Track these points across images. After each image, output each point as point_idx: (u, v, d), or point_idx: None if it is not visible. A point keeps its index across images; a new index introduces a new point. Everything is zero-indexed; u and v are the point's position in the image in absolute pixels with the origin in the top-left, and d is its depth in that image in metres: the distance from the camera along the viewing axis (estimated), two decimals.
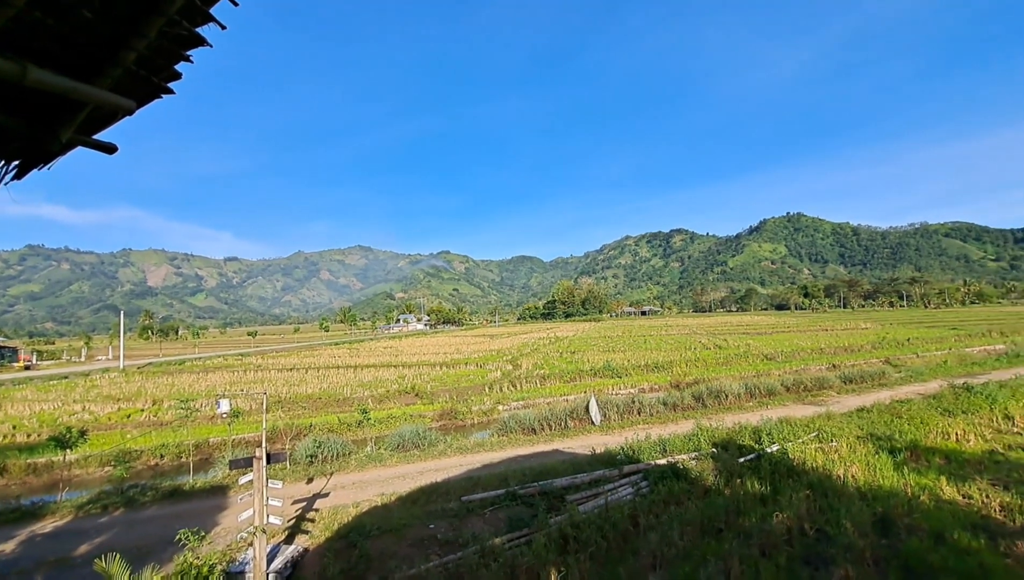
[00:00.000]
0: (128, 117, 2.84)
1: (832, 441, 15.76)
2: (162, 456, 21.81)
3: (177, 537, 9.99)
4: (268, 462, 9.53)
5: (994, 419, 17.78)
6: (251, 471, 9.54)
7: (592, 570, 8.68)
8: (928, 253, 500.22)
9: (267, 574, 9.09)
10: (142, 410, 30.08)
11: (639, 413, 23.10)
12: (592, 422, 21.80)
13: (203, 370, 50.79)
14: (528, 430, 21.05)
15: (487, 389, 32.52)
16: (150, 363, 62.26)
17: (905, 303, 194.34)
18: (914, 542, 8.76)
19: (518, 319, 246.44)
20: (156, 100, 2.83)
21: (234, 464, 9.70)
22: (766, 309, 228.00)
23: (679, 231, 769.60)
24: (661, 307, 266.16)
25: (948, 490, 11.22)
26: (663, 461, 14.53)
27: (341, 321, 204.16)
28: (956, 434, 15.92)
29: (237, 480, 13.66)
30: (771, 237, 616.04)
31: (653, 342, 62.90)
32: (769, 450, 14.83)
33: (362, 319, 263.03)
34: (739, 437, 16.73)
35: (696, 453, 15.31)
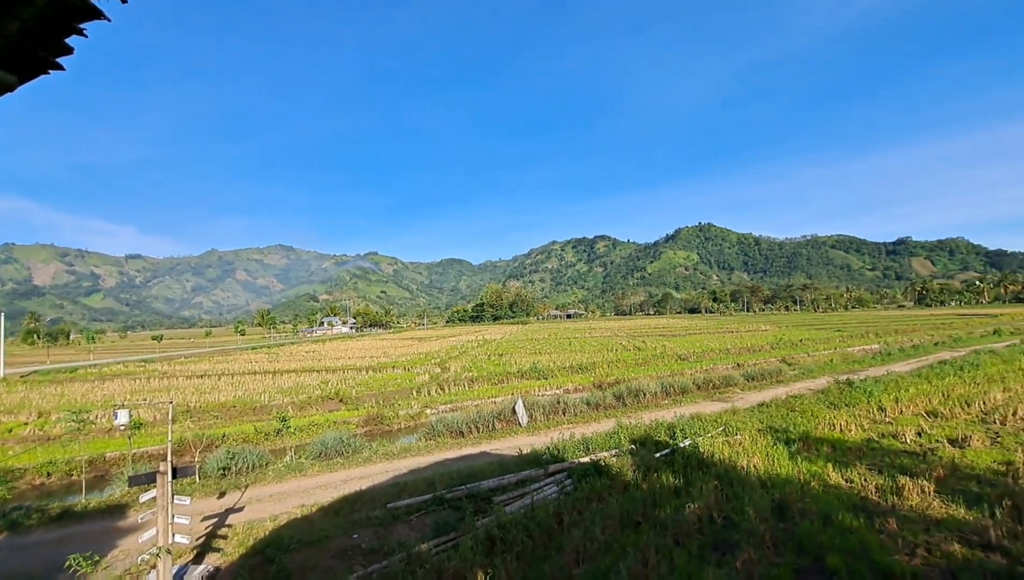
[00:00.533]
0: (9, 94, 2.53)
1: (737, 434, 17.06)
2: (49, 474, 19.45)
3: (67, 563, 8.91)
4: (174, 477, 8.76)
5: (871, 411, 20.10)
6: (154, 487, 8.73)
7: (518, 569, 8.78)
8: (817, 262, 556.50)
9: None
10: (26, 423, 26.63)
11: (564, 413, 23.70)
12: (519, 423, 22.07)
13: (99, 378, 45.74)
14: (456, 433, 20.93)
15: (415, 393, 31.95)
16: (35, 371, 55.10)
17: (798, 307, 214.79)
18: (806, 524, 9.70)
19: (447, 322, 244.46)
20: (43, 76, 2.54)
21: (134, 480, 8.83)
22: (680, 312, 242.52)
23: (603, 237, 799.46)
24: (585, 310, 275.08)
25: (834, 476, 12.53)
26: (586, 459, 15.01)
27: (259, 324, 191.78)
28: (840, 425, 17.82)
29: (138, 498, 12.42)
30: (685, 245, 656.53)
31: (577, 344, 64.81)
32: (682, 445, 15.79)
33: (282, 322, 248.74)
34: (656, 433, 17.65)
35: (617, 450, 15.96)
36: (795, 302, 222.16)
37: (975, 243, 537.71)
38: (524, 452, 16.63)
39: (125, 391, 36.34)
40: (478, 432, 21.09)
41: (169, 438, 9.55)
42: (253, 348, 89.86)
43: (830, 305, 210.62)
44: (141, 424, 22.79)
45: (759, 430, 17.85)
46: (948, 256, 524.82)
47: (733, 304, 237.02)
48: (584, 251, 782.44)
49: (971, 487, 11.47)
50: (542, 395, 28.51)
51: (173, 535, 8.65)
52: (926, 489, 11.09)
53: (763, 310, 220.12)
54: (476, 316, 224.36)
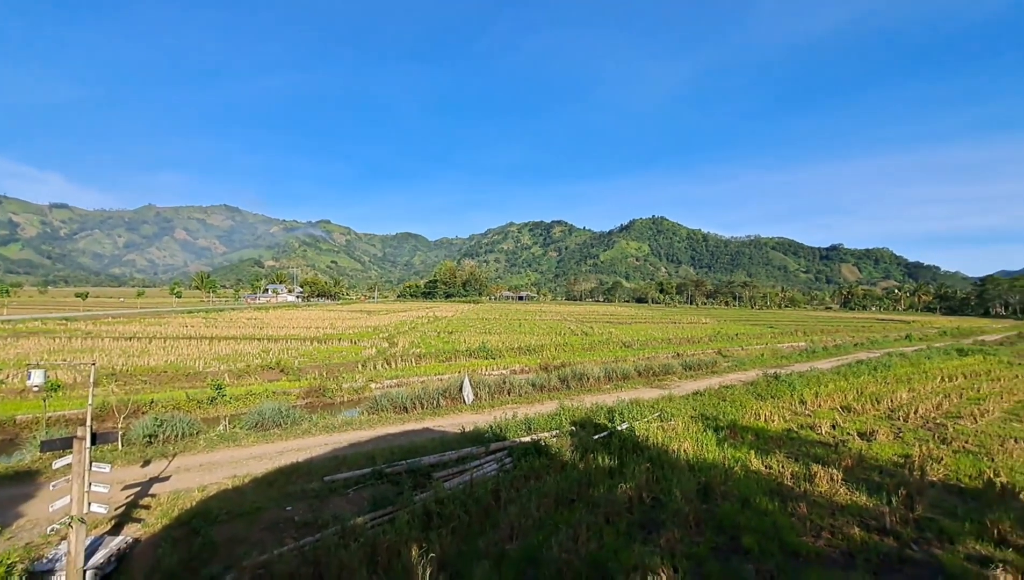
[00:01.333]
0: None
1: (671, 420, 17.91)
2: None
3: None
4: (94, 443, 8.26)
5: (793, 403, 21.58)
6: (69, 453, 8.21)
7: (453, 544, 8.94)
8: (758, 262, 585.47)
9: (83, 571, 7.94)
10: None
11: (509, 393, 24.04)
12: (464, 401, 22.21)
13: (12, 335, 42.16)
14: (400, 408, 20.81)
15: (360, 366, 31.42)
16: None
17: (738, 303, 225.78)
18: (727, 506, 10.38)
19: (398, 296, 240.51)
20: None
21: (47, 446, 8.25)
22: (628, 301, 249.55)
23: (559, 222, 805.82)
24: (537, 293, 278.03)
25: (755, 462, 13.43)
26: (527, 438, 15.35)
27: (197, 287, 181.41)
28: (765, 415, 19.05)
29: (51, 464, 11.65)
30: (638, 236, 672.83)
31: (527, 326, 65.54)
32: (620, 428, 16.42)
33: (223, 286, 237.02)
34: (596, 416, 18.25)
35: (557, 431, 16.40)
36: (735, 298, 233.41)
37: (897, 254, 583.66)
38: (467, 430, 16.78)
39: (42, 350, 33.70)
40: (422, 408, 21.06)
41: (90, 401, 8.97)
42: (190, 312, 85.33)
43: (766, 303, 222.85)
44: (59, 386, 21.25)
45: (692, 417, 18.80)
46: (873, 264, 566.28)
47: (678, 296, 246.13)
48: (540, 235, 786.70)
49: (874, 477, 12.61)
50: (489, 374, 28.76)
51: (89, 504, 8.20)
52: (835, 477, 12.09)
53: (705, 304, 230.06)
54: (428, 292, 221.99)
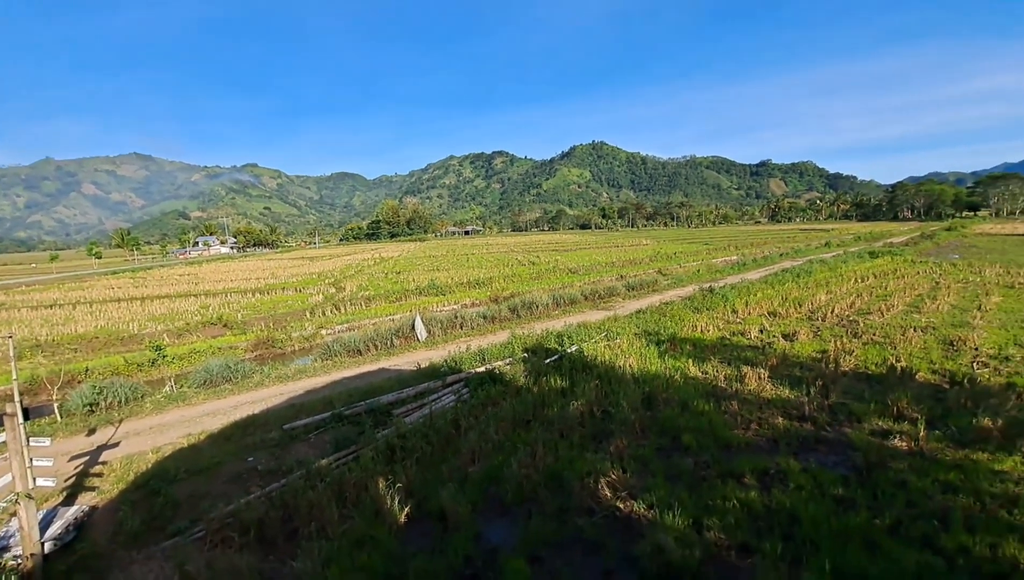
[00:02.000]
0: None
1: (617, 338, 18.93)
2: None
3: None
4: (26, 418, 7.86)
5: (726, 313, 23.23)
6: (1, 431, 7.78)
7: (418, 473, 9.39)
8: (694, 182, 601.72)
9: (42, 543, 7.80)
10: None
11: (461, 327, 24.43)
12: (418, 339, 22.42)
13: None
14: (354, 352, 20.77)
15: (308, 314, 30.75)
16: None
17: (675, 223, 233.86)
18: (668, 411, 11.36)
19: (341, 240, 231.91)
20: None
21: None
22: (573, 229, 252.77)
23: (501, 153, 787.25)
24: (483, 227, 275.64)
25: (693, 369, 14.60)
26: (482, 369, 15.88)
27: (118, 245, 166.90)
28: (701, 326, 20.48)
29: None
30: (579, 163, 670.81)
31: (475, 260, 65.61)
32: (570, 350, 17.25)
33: (148, 243, 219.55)
34: (546, 342, 19.00)
35: (510, 359, 17.03)
36: (673, 218, 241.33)
37: (820, 166, 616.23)
38: (423, 366, 17.10)
39: None
40: (376, 350, 21.12)
41: (15, 376, 8.39)
42: (114, 273, 79.11)
43: (702, 221, 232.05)
44: None
45: (635, 334, 19.94)
46: (798, 177, 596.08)
47: (620, 220, 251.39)
48: (482, 167, 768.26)
49: (795, 372, 14.04)
50: (440, 311, 28.96)
51: (34, 479, 7.92)
52: (762, 376, 13.38)
53: (646, 226, 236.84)
54: (372, 234, 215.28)
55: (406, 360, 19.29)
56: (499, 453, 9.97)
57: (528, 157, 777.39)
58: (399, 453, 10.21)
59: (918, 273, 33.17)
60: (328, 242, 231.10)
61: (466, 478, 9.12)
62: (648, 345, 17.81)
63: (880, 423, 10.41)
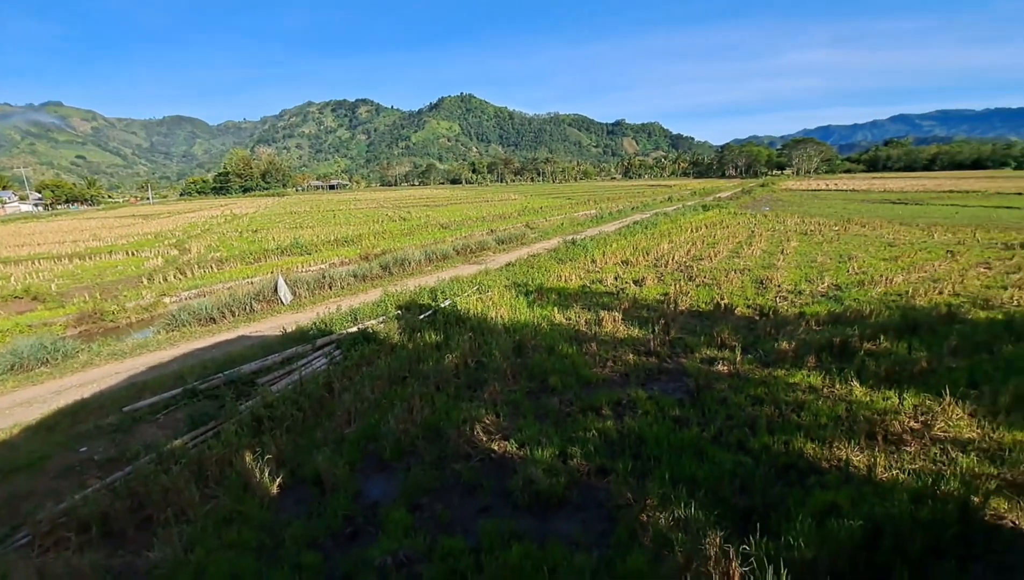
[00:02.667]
0: None
1: (488, 291, 19.50)
2: None
3: None
4: None
5: (586, 263, 25.09)
6: None
7: (290, 441, 9.01)
8: (557, 138, 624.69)
9: None
10: None
11: (330, 287, 23.18)
12: (282, 302, 20.81)
13: None
14: (206, 320, 18.62)
15: (146, 281, 26.64)
16: None
17: (541, 179, 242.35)
18: (537, 357, 12.16)
19: (181, 195, 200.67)
20: None
21: None
22: (443, 183, 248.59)
23: (365, 101, 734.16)
24: (350, 181, 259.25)
25: (558, 317, 15.68)
26: (355, 329, 15.37)
27: None
28: (565, 276, 21.93)
29: None
30: (448, 115, 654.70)
31: (342, 217, 61.82)
32: (443, 305, 17.40)
33: None
34: (420, 298, 18.92)
35: (384, 317, 16.69)
36: (539, 174, 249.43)
37: (665, 127, 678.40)
38: (289, 330, 16.01)
39: None
40: (234, 316, 19.20)
41: None
42: None
43: (565, 177, 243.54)
44: None
45: (506, 286, 20.70)
46: (647, 137, 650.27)
47: (490, 175, 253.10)
48: (345, 116, 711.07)
49: (643, 314, 15.81)
50: (306, 271, 27.02)
51: None
52: (616, 318, 14.86)
53: (514, 181, 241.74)
54: (220, 187, 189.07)
55: (269, 325, 17.88)
56: (376, 411, 9.91)
57: (395, 107, 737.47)
58: (267, 423, 9.62)
59: (739, 224, 38.79)
60: (165, 197, 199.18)
61: (342, 439, 8.96)
62: (518, 296, 18.64)
63: (708, 352, 12.29)
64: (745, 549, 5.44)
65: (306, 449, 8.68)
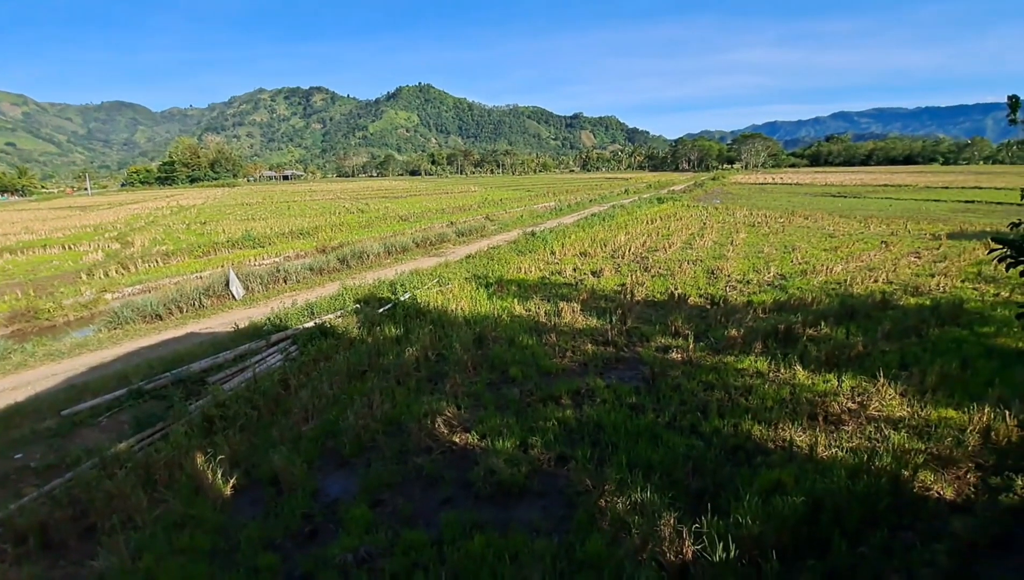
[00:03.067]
0: None
1: (449, 284, 19.42)
2: None
3: None
4: None
5: (545, 255, 25.33)
6: None
7: (244, 441, 8.73)
8: (517, 130, 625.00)
9: None
10: None
11: (285, 281, 22.46)
12: (234, 297, 20.02)
13: None
14: (152, 317, 17.67)
15: (85, 276, 24.97)
16: None
17: (501, 170, 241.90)
18: (497, 348, 12.23)
19: (123, 185, 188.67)
20: None
21: None
22: (402, 174, 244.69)
23: (320, 89, 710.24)
24: (305, 171, 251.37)
25: (518, 308, 15.79)
26: (311, 323, 14.98)
27: None
28: (524, 268, 22.06)
29: None
30: (406, 105, 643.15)
31: (298, 208, 59.83)
32: (403, 298, 17.21)
33: None
34: (379, 291, 18.62)
35: (342, 311, 16.34)
36: (499, 166, 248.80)
37: (622, 121, 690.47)
38: (242, 326, 15.44)
39: None
40: (182, 313, 18.31)
41: None
42: None
43: (524, 169, 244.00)
44: None
45: (466, 278, 20.65)
46: (604, 131, 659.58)
47: (449, 167, 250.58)
48: (299, 104, 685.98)
49: (601, 304, 16.13)
50: (259, 265, 26.06)
51: None
52: (575, 309, 15.10)
53: (474, 172, 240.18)
54: (166, 178, 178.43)
55: (221, 321, 17.18)
56: (334, 407, 9.73)
57: (352, 96, 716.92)
58: (219, 423, 9.28)
59: (691, 216, 40.02)
60: (105, 188, 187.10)
61: (300, 437, 8.77)
62: (478, 288, 18.63)
63: (663, 341, 12.69)
64: (697, 528, 5.71)
65: (261, 448, 8.44)
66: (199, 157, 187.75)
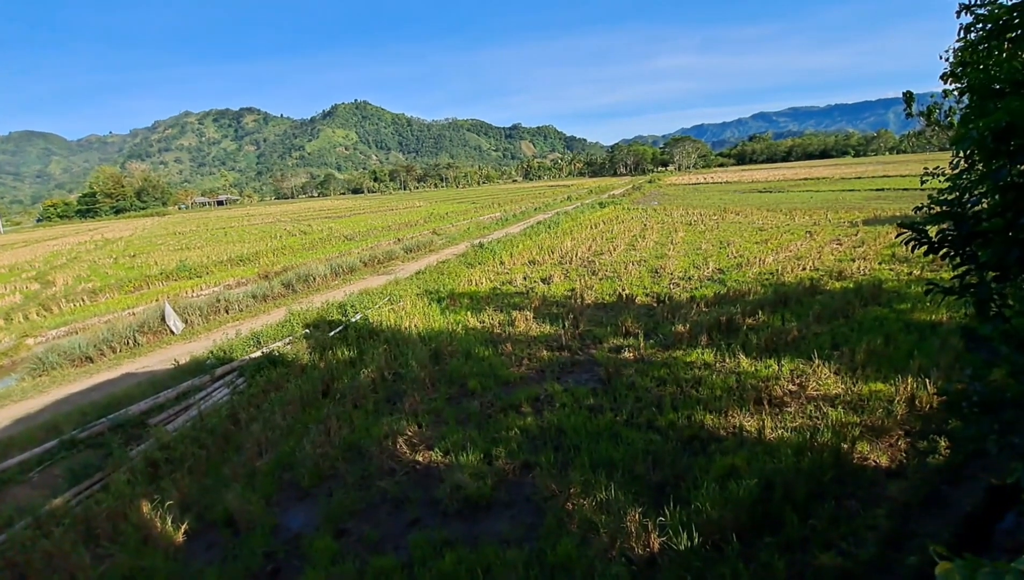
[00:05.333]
0: None
1: (400, 301, 19.14)
2: None
3: None
4: None
5: (495, 266, 25.47)
6: None
7: (193, 482, 8.29)
8: (457, 143, 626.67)
9: None
10: None
11: (227, 311, 21.40)
12: (172, 332, 18.87)
13: None
14: (82, 360, 16.36)
15: (1, 321, 22.85)
16: None
17: (444, 184, 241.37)
18: (454, 362, 12.19)
19: (39, 221, 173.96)
20: None
21: None
22: (344, 193, 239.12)
23: (251, 110, 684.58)
24: (240, 195, 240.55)
25: (472, 321, 15.80)
26: (258, 353, 14.37)
27: None
28: (475, 280, 22.10)
29: None
30: (343, 123, 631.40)
31: (235, 234, 57.22)
32: (354, 320, 16.82)
33: None
34: (328, 314, 18.11)
35: (290, 337, 15.78)
36: (442, 180, 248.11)
37: (560, 130, 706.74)
38: (183, 362, 14.60)
39: None
40: (115, 353, 17.06)
41: None
42: None
43: (468, 181, 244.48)
44: None
45: (418, 294, 20.45)
46: (543, 140, 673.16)
47: (392, 183, 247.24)
48: (230, 126, 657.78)
49: (553, 310, 16.40)
50: (198, 296, 24.69)
51: None
52: (528, 317, 15.29)
53: (417, 188, 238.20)
54: (88, 210, 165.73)
55: (159, 358, 16.17)
56: (289, 438, 9.39)
57: (285, 116, 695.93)
58: (165, 466, 8.75)
59: (632, 218, 41.41)
60: (19, 225, 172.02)
61: (254, 473, 8.40)
62: (430, 303, 18.50)
63: (615, 341, 13.05)
64: (661, 520, 5.94)
65: (214, 489, 8.02)
66: (123, 186, 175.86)
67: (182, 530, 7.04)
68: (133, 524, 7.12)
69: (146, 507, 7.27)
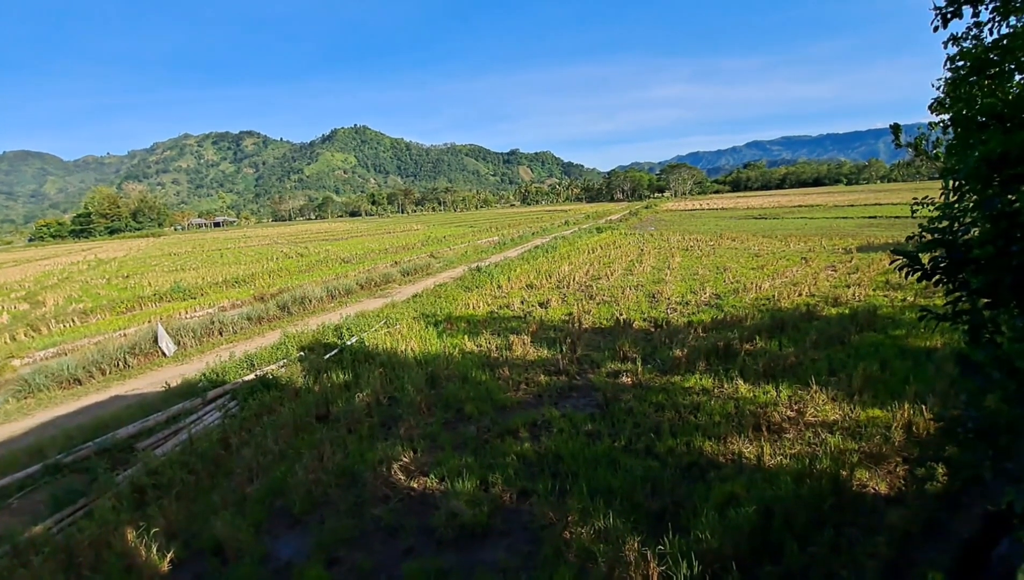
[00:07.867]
0: None
1: (397, 324, 19.07)
2: None
3: None
4: None
5: (493, 289, 25.49)
6: None
7: (181, 509, 8.09)
8: (456, 168, 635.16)
9: None
10: None
11: (221, 333, 21.25)
12: (164, 354, 18.69)
13: None
14: (70, 382, 16.12)
15: None
16: None
17: (443, 208, 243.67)
18: (451, 386, 12.09)
19: (31, 240, 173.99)
20: None
21: None
22: (342, 216, 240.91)
23: (251, 133, 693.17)
24: (237, 217, 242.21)
25: (469, 344, 15.73)
26: (252, 376, 14.23)
27: None
28: (472, 304, 22.09)
29: None
30: (342, 147, 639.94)
31: (231, 255, 57.30)
32: (349, 342, 16.71)
33: None
34: (323, 336, 18.00)
35: (285, 360, 15.64)
36: (440, 203, 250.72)
37: (557, 156, 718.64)
38: (174, 385, 14.41)
39: None
40: (104, 375, 16.84)
41: None
42: None
43: (466, 205, 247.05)
44: None
45: (414, 317, 20.39)
46: (541, 165, 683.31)
47: (390, 206, 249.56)
48: (229, 149, 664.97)
49: (550, 334, 16.35)
50: (191, 317, 24.51)
51: None
52: (525, 342, 15.22)
53: (415, 211, 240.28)
54: (82, 230, 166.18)
55: (149, 381, 15.97)
56: (281, 463, 9.22)
57: (285, 139, 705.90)
58: (151, 492, 8.55)
59: (629, 243, 41.73)
60: (10, 244, 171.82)
61: (244, 499, 8.22)
62: (427, 327, 18.43)
63: (612, 366, 13.00)
64: (661, 549, 5.82)
65: (202, 516, 7.84)
66: (119, 207, 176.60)
67: (167, 559, 6.85)
68: (116, 552, 6.92)
69: (131, 534, 7.08)
